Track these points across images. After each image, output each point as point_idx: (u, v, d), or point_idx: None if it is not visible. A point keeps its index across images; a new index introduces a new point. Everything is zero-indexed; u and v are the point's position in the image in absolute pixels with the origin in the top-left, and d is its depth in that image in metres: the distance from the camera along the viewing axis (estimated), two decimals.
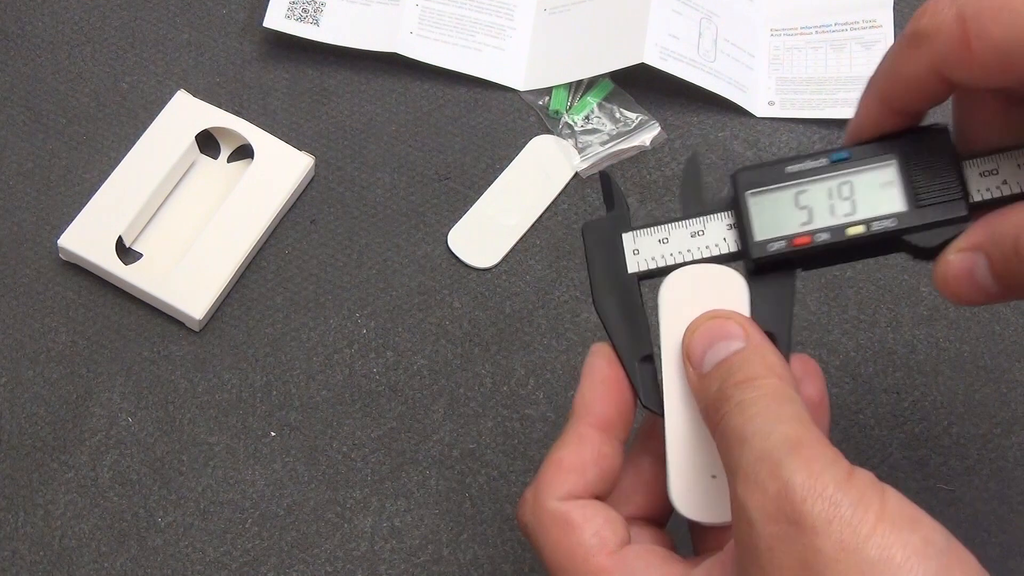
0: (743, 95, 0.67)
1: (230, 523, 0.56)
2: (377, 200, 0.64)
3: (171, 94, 0.64)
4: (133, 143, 0.63)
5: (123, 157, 0.62)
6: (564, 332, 0.60)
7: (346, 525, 0.56)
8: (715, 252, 0.40)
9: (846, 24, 0.69)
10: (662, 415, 0.39)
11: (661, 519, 0.40)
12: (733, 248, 0.40)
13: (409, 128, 0.66)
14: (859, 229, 0.39)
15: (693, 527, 0.40)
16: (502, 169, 0.65)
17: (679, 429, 0.38)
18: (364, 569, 0.55)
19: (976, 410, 0.60)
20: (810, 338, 0.61)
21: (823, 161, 0.39)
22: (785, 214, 0.39)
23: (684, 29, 0.67)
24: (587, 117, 0.66)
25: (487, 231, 0.63)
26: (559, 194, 0.64)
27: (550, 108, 0.66)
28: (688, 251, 0.40)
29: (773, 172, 0.40)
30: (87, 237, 0.60)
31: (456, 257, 0.62)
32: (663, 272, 0.40)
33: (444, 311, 0.61)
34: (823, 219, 0.39)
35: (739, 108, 0.67)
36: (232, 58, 0.68)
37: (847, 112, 0.66)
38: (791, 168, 0.40)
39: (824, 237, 0.39)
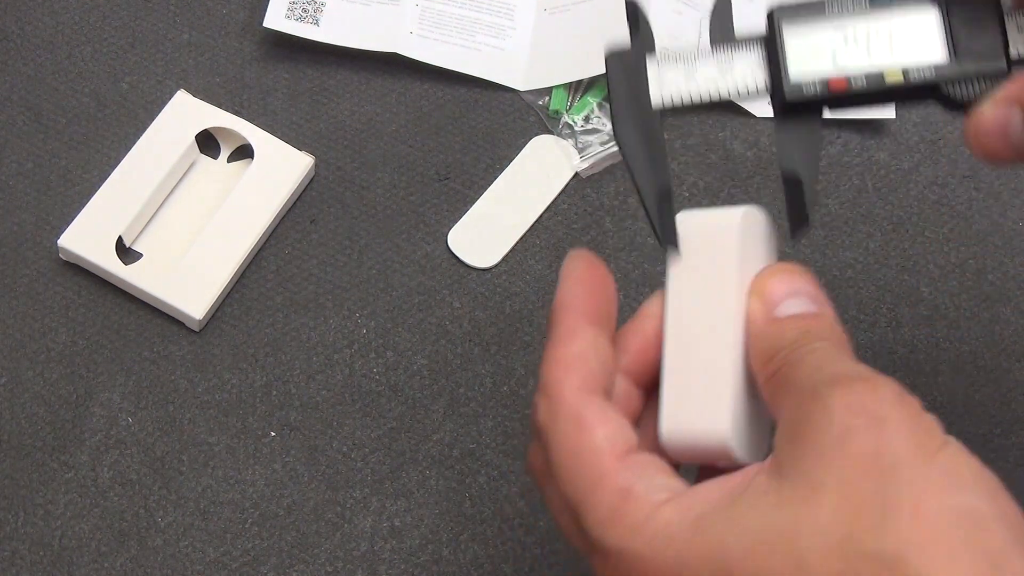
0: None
1: (230, 523, 0.56)
2: (377, 200, 0.64)
3: (171, 94, 0.64)
4: (133, 143, 0.63)
5: (123, 157, 0.62)
6: None
7: (346, 525, 0.56)
8: (743, 89, 0.39)
9: None
10: (677, 251, 0.37)
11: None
12: (762, 85, 0.39)
13: (409, 128, 0.66)
14: (897, 77, 0.38)
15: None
16: (502, 169, 0.65)
17: (679, 362, 0.37)
18: (364, 569, 0.55)
19: (976, 410, 0.60)
20: None
21: (864, 2, 0.38)
22: (822, 52, 0.38)
23: (684, 29, 0.67)
24: (587, 117, 0.66)
25: (487, 231, 0.63)
26: (559, 194, 0.64)
27: (550, 108, 0.66)
28: (716, 89, 0.39)
29: (812, 8, 0.39)
30: (87, 237, 0.60)
31: (456, 257, 0.62)
32: (688, 110, 0.39)
33: (444, 311, 0.61)
34: (860, 62, 0.38)
35: (739, 108, 0.67)
36: (232, 58, 0.68)
37: (847, 112, 0.66)
38: (831, 7, 0.38)
39: (861, 84, 0.38)
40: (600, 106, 0.67)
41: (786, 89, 0.38)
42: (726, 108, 0.67)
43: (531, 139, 0.66)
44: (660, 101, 0.39)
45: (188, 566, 0.54)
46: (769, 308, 0.36)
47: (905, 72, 0.38)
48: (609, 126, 0.66)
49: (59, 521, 0.55)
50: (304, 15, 0.67)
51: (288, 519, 0.56)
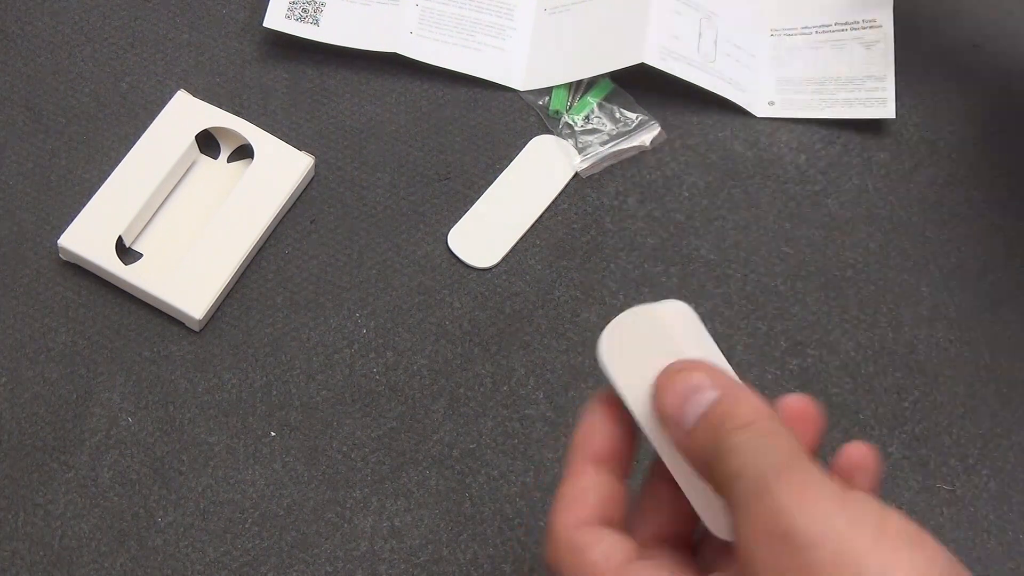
0: (743, 95, 0.67)
1: (230, 523, 0.56)
2: (377, 200, 0.64)
3: (171, 94, 0.64)
4: (133, 143, 0.63)
5: (123, 157, 0.62)
6: (564, 332, 0.60)
7: (346, 525, 0.56)
8: None
9: (846, 24, 0.69)
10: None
11: (686, 538, 0.41)
12: None
13: (409, 128, 0.66)
14: None
15: (703, 548, 0.40)
16: (502, 169, 0.65)
17: (681, 465, 0.38)
18: (364, 569, 0.55)
19: (976, 410, 0.60)
20: (810, 338, 0.61)
21: None
22: None
23: (684, 29, 0.67)
24: (587, 117, 0.66)
25: (487, 231, 0.63)
26: (559, 194, 0.64)
27: (550, 108, 0.66)
28: None
29: None
30: (87, 237, 0.60)
31: (456, 257, 0.62)
32: None
33: (444, 311, 0.61)
34: None
35: (739, 108, 0.67)
36: (232, 58, 0.68)
37: (847, 112, 0.66)
38: None
39: None
40: (600, 106, 0.67)
41: None
42: (726, 108, 0.67)
43: (531, 139, 0.66)
44: None
45: (188, 566, 0.54)
46: (679, 425, 0.38)
47: None
48: (609, 126, 0.66)
49: (59, 521, 0.55)
50: (304, 15, 0.67)
51: (288, 519, 0.56)
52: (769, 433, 0.35)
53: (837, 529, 0.32)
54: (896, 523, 0.32)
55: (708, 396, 0.37)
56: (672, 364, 0.38)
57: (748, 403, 0.36)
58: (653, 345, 0.39)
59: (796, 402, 0.38)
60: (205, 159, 0.64)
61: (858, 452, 0.38)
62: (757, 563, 0.33)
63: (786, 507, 0.32)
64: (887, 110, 0.66)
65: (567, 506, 0.39)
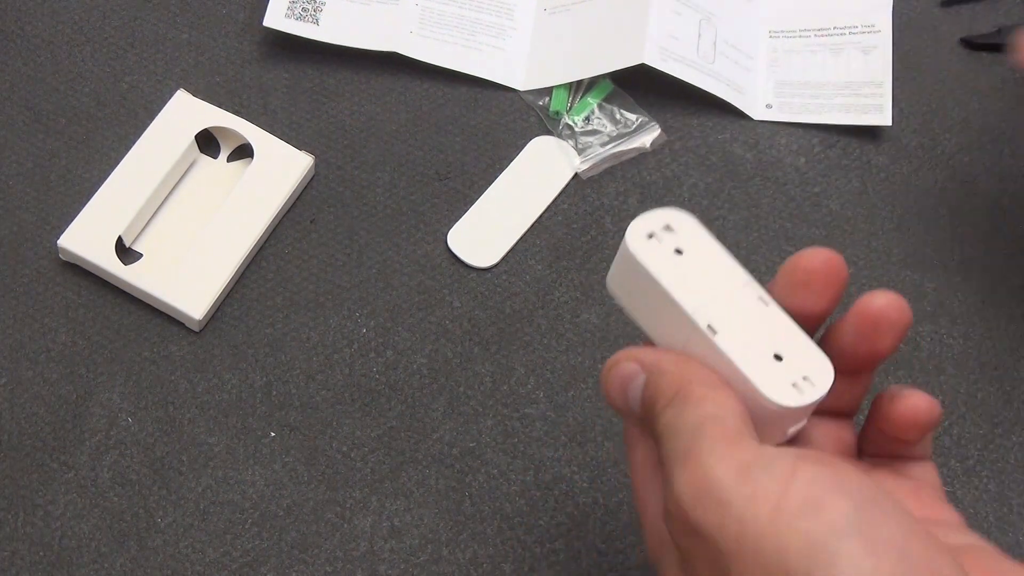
0: (741, 97, 0.67)
1: (230, 523, 0.55)
2: (377, 200, 0.64)
3: (171, 94, 0.64)
4: (133, 143, 0.63)
5: (123, 157, 0.62)
6: (564, 332, 0.60)
7: (346, 525, 0.56)
8: None
9: (845, 28, 0.69)
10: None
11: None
12: None
13: (409, 128, 0.66)
14: None
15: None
16: (502, 169, 0.65)
17: (726, 344, 0.37)
18: (364, 569, 0.55)
19: (978, 409, 0.60)
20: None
21: None
22: None
23: (684, 30, 0.67)
24: (587, 118, 0.66)
25: (487, 231, 0.63)
26: (559, 194, 0.64)
27: (550, 109, 0.66)
28: None
29: None
30: (87, 237, 0.60)
31: (456, 257, 0.62)
32: None
33: (444, 310, 0.61)
34: None
35: (739, 111, 0.67)
36: (232, 58, 0.68)
37: (843, 119, 0.66)
38: None
39: None
40: (601, 107, 0.67)
41: None
42: (726, 110, 0.67)
43: (531, 139, 0.66)
44: None
45: (188, 566, 0.54)
46: (635, 415, 0.37)
47: None
48: (609, 127, 0.66)
49: (59, 521, 0.55)
50: (304, 15, 0.67)
51: (288, 519, 0.56)
52: (684, 401, 0.34)
53: (734, 514, 0.31)
54: (800, 489, 0.31)
55: (639, 381, 0.37)
56: (609, 360, 0.39)
57: (669, 376, 0.36)
58: (650, 293, 0.38)
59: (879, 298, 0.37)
60: (205, 159, 0.64)
61: (916, 402, 0.37)
62: (680, 550, 0.33)
63: (687, 500, 0.32)
64: (883, 117, 0.66)
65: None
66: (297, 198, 0.63)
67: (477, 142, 0.66)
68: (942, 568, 0.30)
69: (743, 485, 0.31)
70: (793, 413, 0.36)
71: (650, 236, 0.38)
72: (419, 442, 0.57)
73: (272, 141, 0.63)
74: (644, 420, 0.37)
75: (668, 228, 0.38)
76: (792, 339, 0.37)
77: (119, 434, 0.57)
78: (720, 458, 0.32)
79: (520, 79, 0.67)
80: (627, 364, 0.38)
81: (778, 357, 0.36)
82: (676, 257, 0.38)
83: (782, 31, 0.70)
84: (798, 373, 0.36)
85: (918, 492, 0.38)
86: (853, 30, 0.69)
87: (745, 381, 0.36)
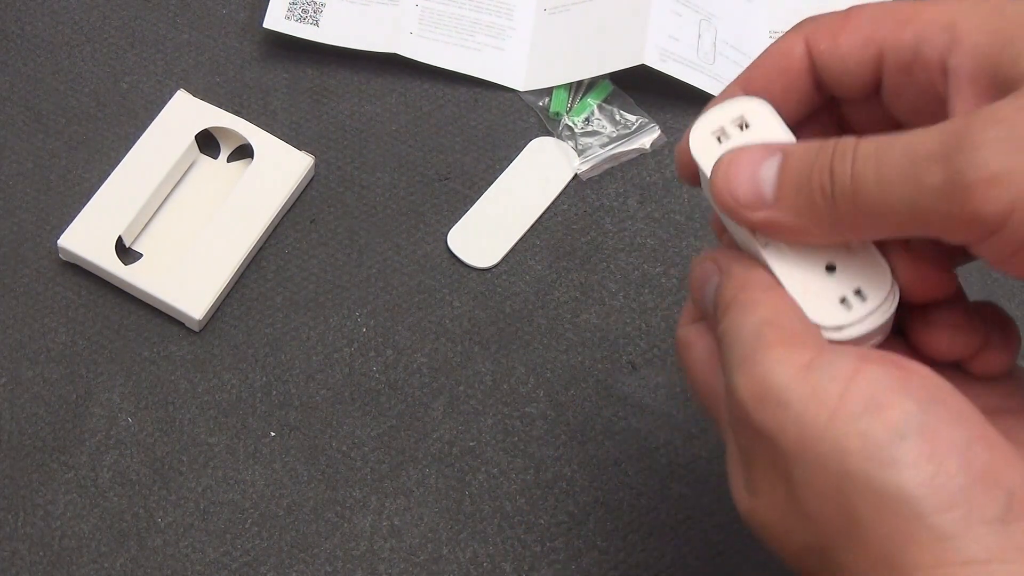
0: None
1: (230, 523, 0.55)
2: (377, 200, 0.64)
3: (171, 94, 0.64)
4: (133, 143, 0.63)
5: (123, 157, 0.62)
6: (564, 332, 0.60)
7: (345, 524, 0.56)
8: None
9: None
10: None
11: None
12: None
13: (409, 128, 0.66)
14: None
15: None
16: (502, 169, 0.65)
17: (774, 255, 0.35)
18: (364, 568, 0.55)
19: None
20: None
21: None
22: None
23: (684, 31, 0.67)
24: (587, 119, 0.66)
25: (487, 231, 0.63)
26: (559, 195, 0.64)
27: (550, 110, 0.66)
28: None
29: None
30: (87, 237, 0.60)
31: (456, 257, 0.62)
32: None
33: (444, 310, 0.61)
34: None
35: None
36: (232, 58, 0.68)
37: None
38: None
39: None
40: (601, 108, 0.67)
41: None
42: None
43: (531, 140, 0.66)
44: None
45: (188, 566, 0.54)
46: (711, 314, 0.36)
47: None
48: (609, 128, 0.66)
49: (59, 521, 0.55)
50: (304, 15, 0.67)
51: (288, 519, 0.56)
52: (748, 305, 0.34)
53: (794, 415, 0.31)
54: (861, 389, 0.30)
55: (714, 281, 0.36)
56: (694, 258, 0.38)
57: (735, 279, 0.35)
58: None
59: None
60: (205, 159, 0.64)
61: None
62: (740, 448, 0.32)
63: (747, 403, 0.32)
64: None
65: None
66: (297, 198, 0.63)
67: (477, 143, 0.66)
68: (1005, 474, 0.29)
69: (802, 386, 0.31)
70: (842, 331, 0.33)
71: (717, 136, 0.36)
72: (419, 441, 0.57)
73: (272, 141, 0.63)
74: (717, 321, 0.36)
75: (742, 124, 0.36)
76: (853, 248, 0.34)
77: (119, 434, 0.57)
78: (778, 360, 0.32)
79: (520, 80, 0.68)
80: (706, 264, 0.37)
81: (831, 268, 0.34)
82: None
83: (782, 31, 0.70)
84: (850, 286, 0.33)
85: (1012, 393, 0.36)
86: None
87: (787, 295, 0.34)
